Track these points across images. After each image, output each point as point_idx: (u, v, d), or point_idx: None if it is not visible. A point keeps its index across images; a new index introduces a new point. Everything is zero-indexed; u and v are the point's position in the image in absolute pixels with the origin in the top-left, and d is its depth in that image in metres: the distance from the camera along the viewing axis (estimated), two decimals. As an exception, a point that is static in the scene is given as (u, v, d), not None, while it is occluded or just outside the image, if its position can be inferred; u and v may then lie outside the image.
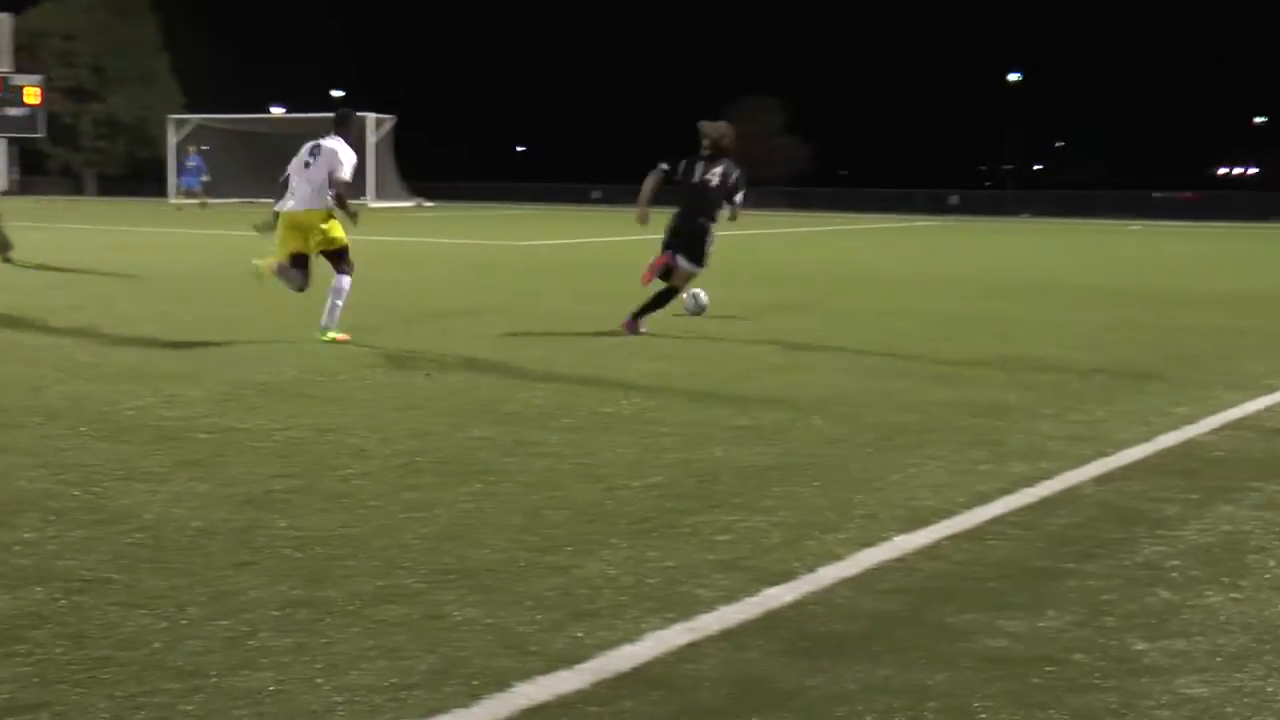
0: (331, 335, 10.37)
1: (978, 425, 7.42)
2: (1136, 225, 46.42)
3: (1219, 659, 3.88)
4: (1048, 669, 3.77)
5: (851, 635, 4.02)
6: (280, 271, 10.75)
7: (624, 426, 7.20)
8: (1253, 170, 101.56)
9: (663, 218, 11.78)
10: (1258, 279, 20.71)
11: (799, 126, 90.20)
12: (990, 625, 4.13)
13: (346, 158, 10.61)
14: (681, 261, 11.52)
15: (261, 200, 51.13)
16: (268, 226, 11.19)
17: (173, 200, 49.54)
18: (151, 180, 63.53)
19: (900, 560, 4.82)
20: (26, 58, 58.09)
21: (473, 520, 5.24)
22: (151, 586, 4.34)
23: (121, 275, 17.00)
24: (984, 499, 5.73)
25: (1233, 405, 8.24)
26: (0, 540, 4.85)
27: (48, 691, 3.48)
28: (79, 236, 27.79)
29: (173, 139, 55.99)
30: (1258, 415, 8.00)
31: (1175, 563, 4.85)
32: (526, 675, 3.64)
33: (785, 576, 4.57)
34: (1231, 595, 4.48)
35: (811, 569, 4.67)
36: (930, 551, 4.94)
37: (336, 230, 10.64)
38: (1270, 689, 3.66)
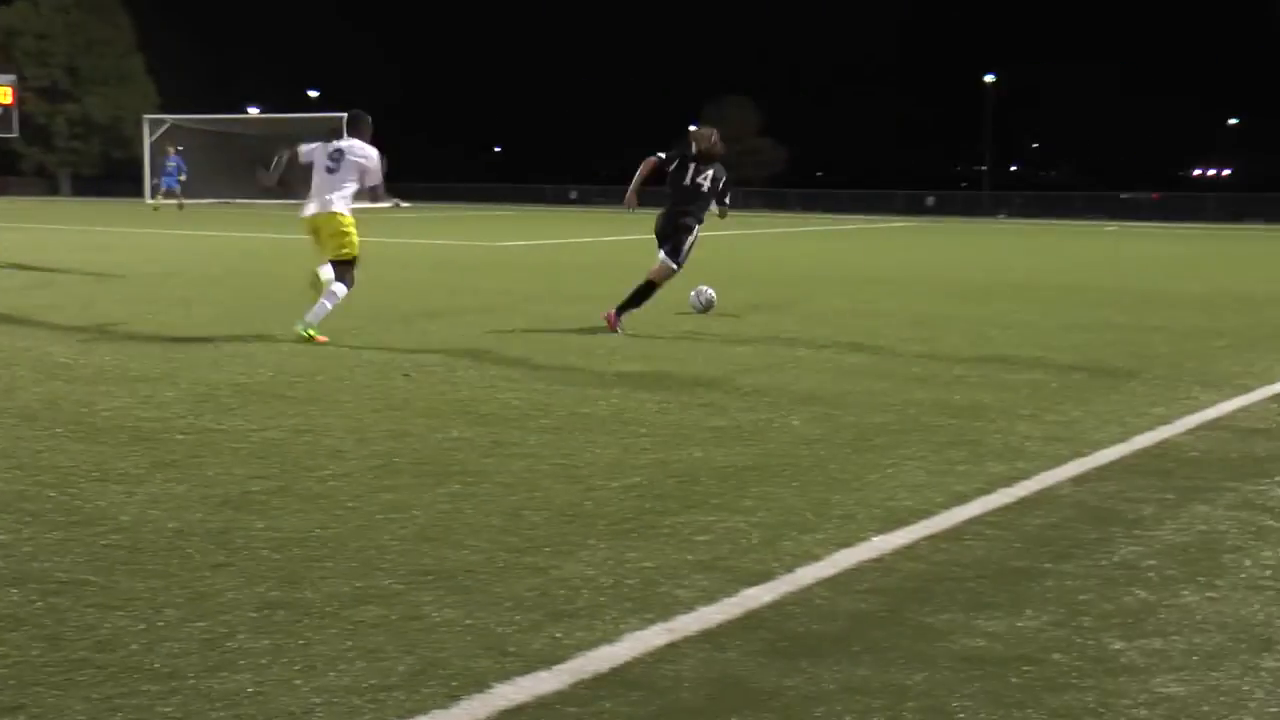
0: (311, 333, 10.35)
1: (955, 426, 7.45)
2: (1112, 226, 46.67)
3: (1195, 658, 3.90)
4: (1026, 669, 3.79)
5: (830, 635, 4.03)
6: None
7: (602, 427, 7.20)
8: (1226, 172, 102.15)
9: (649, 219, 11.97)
10: (1231, 280, 20.81)
11: (776, 128, 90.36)
12: (968, 625, 4.14)
13: (374, 160, 10.87)
14: (662, 255, 11.77)
15: (238, 201, 51.12)
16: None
17: (150, 201, 49.36)
18: (126, 181, 63.29)
19: (878, 560, 4.83)
20: (0, 57, 57.83)
21: (451, 521, 5.23)
22: (128, 588, 4.32)
23: (99, 275, 16.93)
24: (962, 499, 5.74)
25: (1208, 405, 8.29)
26: (-25, 542, 4.82)
27: (24, 694, 3.47)
28: (55, 237, 27.65)
29: (148, 139, 55.76)
30: (1232, 415, 8.04)
31: (1152, 562, 4.87)
32: (505, 676, 3.64)
33: (764, 577, 4.57)
34: (1207, 594, 4.51)
35: (790, 569, 4.67)
36: (908, 552, 4.95)
37: (352, 240, 10.77)
38: (1246, 687, 3.68)
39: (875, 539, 5.09)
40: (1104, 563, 4.86)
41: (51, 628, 3.94)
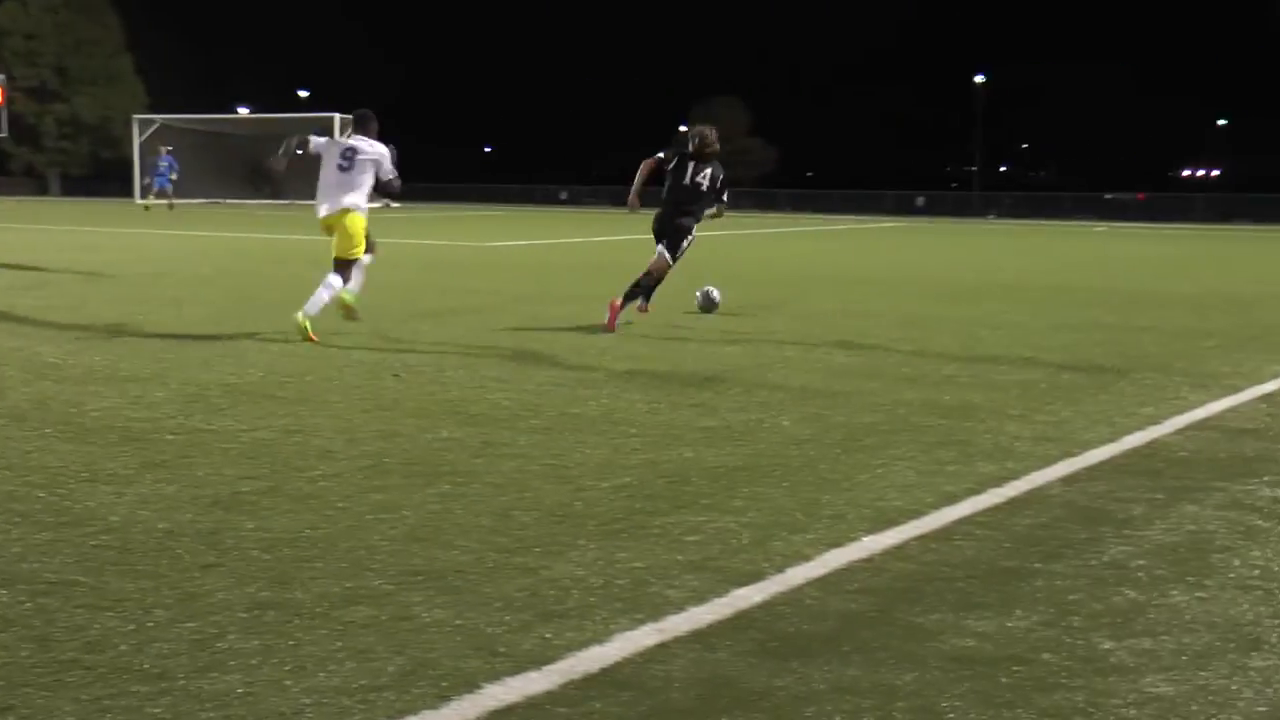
0: (305, 325, 10.35)
1: (945, 426, 7.46)
2: (1101, 227, 46.74)
3: (1184, 658, 3.91)
4: (1015, 668, 3.79)
5: (820, 636, 4.03)
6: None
7: (593, 427, 7.20)
8: (1215, 172, 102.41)
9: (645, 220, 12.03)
10: (1220, 280, 20.86)
11: (765, 128, 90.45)
12: (958, 625, 4.14)
13: (386, 155, 10.93)
14: (660, 249, 11.93)
15: (228, 201, 51.05)
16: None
17: (140, 201, 49.24)
18: (116, 180, 63.18)
19: (868, 561, 4.83)
20: (-12, 57, 57.72)
21: (441, 521, 5.22)
22: (118, 589, 4.31)
23: (89, 275, 16.89)
24: (951, 499, 5.75)
25: (1197, 405, 8.31)
26: (-36, 543, 4.81)
27: (13, 695, 3.46)
28: (44, 237, 27.58)
29: (137, 139, 55.68)
30: (1221, 415, 8.06)
31: (1141, 562, 4.88)
32: (495, 676, 3.63)
33: (754, 577, 4.58)
34: (1197, 594, 4.52)
35: (780, 569, 4.68)
36: (898, 552, 4.96)
37: (359, 241, 10.83)
38: (1234, 687, 3.69)
39: (865, 539, 5.09)
40: (1093, 563, 4.87)
41: (41, 628, 3.93)
